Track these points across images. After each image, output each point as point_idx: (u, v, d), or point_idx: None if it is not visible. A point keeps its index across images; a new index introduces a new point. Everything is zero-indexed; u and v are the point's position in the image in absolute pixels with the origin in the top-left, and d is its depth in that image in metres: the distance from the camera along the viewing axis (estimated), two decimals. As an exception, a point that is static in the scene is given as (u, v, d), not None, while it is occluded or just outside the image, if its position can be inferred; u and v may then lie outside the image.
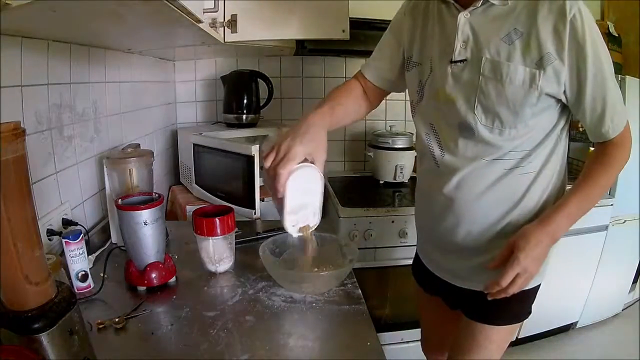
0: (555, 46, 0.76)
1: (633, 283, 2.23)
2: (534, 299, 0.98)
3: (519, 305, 0.93)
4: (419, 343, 1.34)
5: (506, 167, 0.86)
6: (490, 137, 0.84)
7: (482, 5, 0.80)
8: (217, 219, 0.94)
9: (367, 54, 2.04)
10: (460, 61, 0.84)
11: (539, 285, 0.96)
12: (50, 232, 0.93)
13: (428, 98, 0.92)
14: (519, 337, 1.94)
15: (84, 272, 0.86)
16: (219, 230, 0.94)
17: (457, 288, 0.98)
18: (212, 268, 0.98)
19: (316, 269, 0.92)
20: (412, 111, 1.00)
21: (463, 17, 0.82)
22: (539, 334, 1.99)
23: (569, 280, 1.84)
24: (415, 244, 1.40)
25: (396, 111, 2.15)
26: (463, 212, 0.90)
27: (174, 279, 0.93)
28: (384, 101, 2.25)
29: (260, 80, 1.82)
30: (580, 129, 1.88)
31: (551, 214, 0.83)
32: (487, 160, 0.86)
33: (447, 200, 0.91)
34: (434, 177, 0.94)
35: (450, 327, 1.09)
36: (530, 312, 0.97)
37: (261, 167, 1.11)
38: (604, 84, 0.78)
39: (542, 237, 0.81)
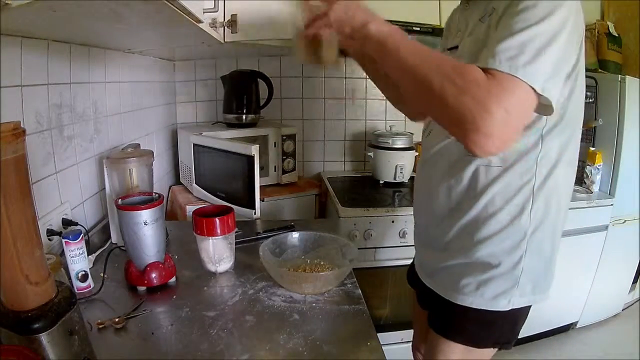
0: (503, 7, 0.68)
1: (633, 283, 2.23)
2: (500, 328, 0.84)
3: (475, 326, 0.83)
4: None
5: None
6: None
7: None
8: (217, 219, 0.94)
9: (367, 54, 2.02)
10: (451, 49, 0.85)
11: (504, 312, 0.80)
12: (50, 232, 0.93)
13: None
14: (518, 337, 1.93)
15: (84, 272, 0.86)
16: (219, 230, 0.94)
17: (427, 287, 0.91)
18: (212, 268, 0.98)
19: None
20: None
21: (463, 6, 0.85)
22: (538, 334, 1.99)
23: (569, 280, 1.84)
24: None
25: (396, 111, 2.14)
26: (431, 191, 0.87)
27: (174, 279, 0.93)
28: (383, 101, 2.25)
29: (260, 80, 1.82)
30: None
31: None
32: (453, 138, 0.77)
33: (425, 177, 0.91)
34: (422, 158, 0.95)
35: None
36: (498, 343, 0.86)
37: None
38: (519, 22, 0.62)
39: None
